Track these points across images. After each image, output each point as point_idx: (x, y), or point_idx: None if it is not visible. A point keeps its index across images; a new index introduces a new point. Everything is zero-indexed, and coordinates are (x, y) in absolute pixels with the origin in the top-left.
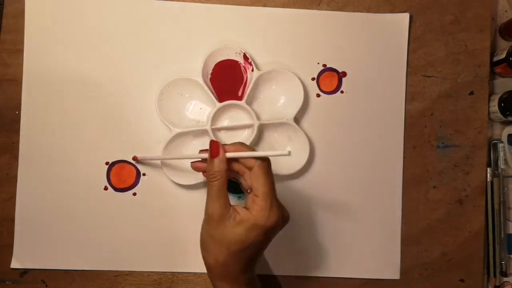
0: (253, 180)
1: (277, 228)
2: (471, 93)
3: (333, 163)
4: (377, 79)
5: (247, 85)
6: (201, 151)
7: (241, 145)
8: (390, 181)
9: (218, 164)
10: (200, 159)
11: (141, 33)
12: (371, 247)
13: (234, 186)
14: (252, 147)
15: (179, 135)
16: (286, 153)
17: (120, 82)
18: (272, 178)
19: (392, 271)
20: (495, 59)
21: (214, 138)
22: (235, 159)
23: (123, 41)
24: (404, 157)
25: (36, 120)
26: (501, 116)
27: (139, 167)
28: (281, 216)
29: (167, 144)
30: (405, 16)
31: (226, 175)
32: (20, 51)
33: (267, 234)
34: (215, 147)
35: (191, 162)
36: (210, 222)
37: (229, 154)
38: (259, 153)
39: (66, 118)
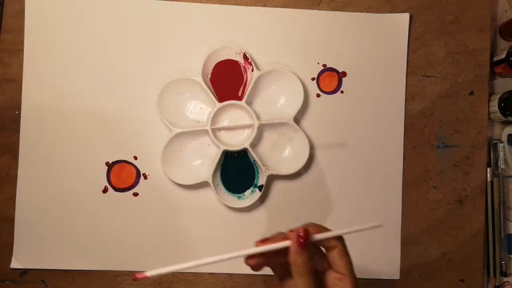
0: (337, 259)
1: None
2: (471, 93)
3: (333, 163)
4: (377, 79)
5: (247, 85)
6: (259, 242)
7: (316, 226)
8: (390, 181)
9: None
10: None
11: (141, 33)
12: (371, 247)
13: (233, 186)
14: (322, 226)
15: (179, 135)
16: (378, 224)
17: (120, 82)
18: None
19: (392, 271)
20: (495, 59)
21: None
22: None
23: (123, 41)
24: (404, 157)
25: (36, 120)
26: (501, 116)
27: (139, 167)
28: None
29: (167, 144)
30: (405, 16)
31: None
32: (20, 51)
33: None
34: (306, 235)
35: (246, 259)
36: None
37: (319, 236)
38: (346, 230)
39: (66, 118)
